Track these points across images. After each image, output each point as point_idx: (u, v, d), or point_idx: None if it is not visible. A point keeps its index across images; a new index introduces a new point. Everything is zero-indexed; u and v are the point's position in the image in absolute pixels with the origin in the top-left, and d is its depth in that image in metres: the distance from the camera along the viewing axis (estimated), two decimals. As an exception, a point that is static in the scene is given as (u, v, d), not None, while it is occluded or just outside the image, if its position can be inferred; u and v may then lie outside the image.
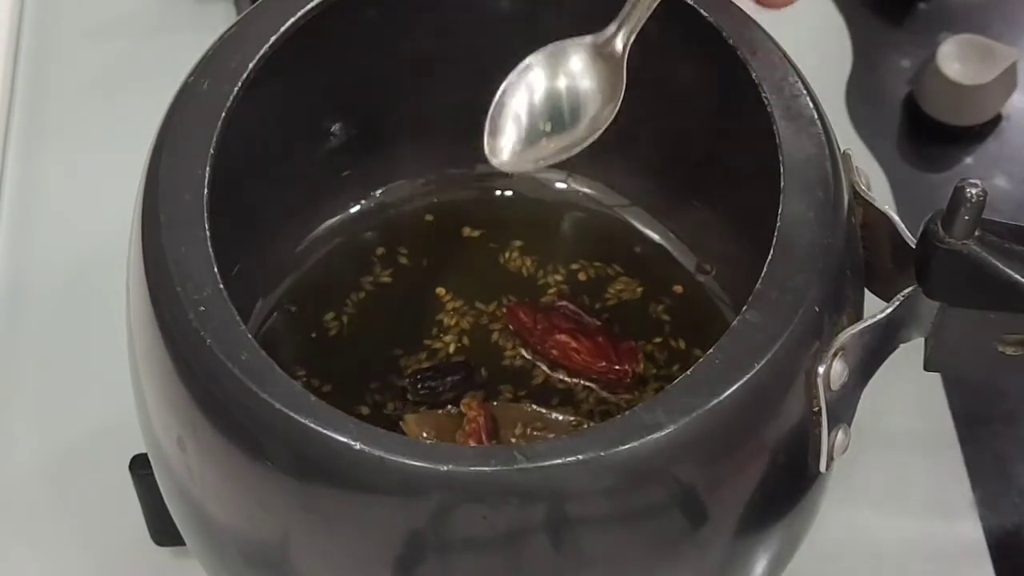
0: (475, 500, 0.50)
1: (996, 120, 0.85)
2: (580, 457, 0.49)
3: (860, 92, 0.86)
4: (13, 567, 0.70)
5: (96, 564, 0.69)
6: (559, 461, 0.49)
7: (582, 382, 0.67)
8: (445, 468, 0.49)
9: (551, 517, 0.50)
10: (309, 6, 0.59)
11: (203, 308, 0.52)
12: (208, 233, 0.54)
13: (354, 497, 0.51)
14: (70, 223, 0.80)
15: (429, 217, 0.71)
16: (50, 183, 0.82)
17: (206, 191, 0.55)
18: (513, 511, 0.50)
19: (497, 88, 0.58)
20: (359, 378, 0.67)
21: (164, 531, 0.66)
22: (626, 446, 0.50)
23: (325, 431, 0.50)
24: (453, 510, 0.50)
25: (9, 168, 0.82)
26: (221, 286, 0.53)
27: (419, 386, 0.66)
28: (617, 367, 0.66)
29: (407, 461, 0.49)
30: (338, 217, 0.71)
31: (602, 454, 0.50)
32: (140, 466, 0.64)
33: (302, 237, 0.70)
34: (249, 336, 0.52)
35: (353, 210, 0.71)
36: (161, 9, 0.88)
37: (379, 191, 0.71)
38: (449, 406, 0.65)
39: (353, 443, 0.50)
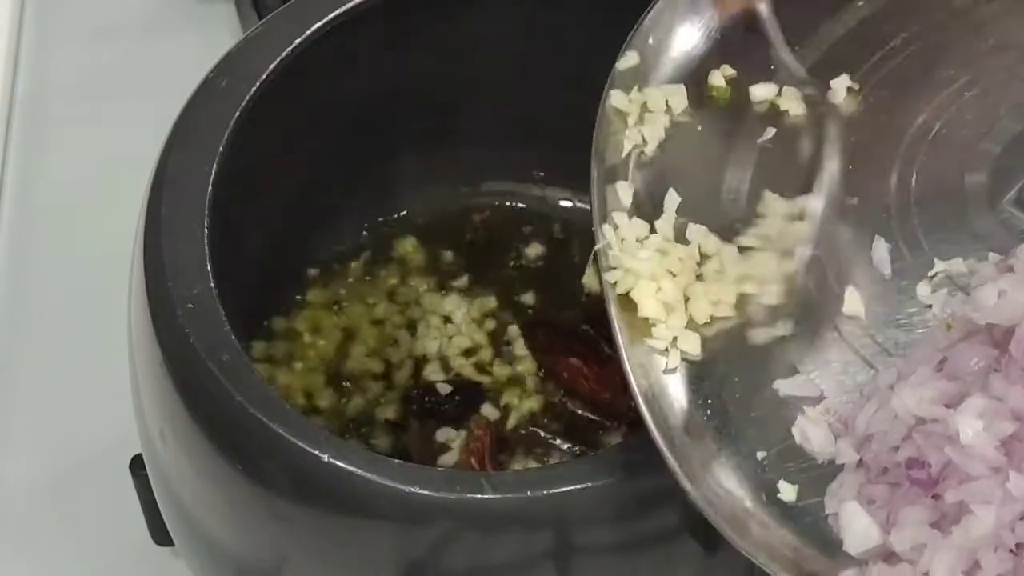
0: (433, 525, 0.49)
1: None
2: (545, 492, 0.49)
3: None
4: (14, 565, 0.70)
5: (97, 564, 0.69)
6: (525, 495, 0.49)
7: (586, 412, 0.66)
8: (408, 489, 0.49)
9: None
10: (335, 12, 0.59)
11: (191, 305, 0.53)
12: (206, 231, 0.54)
13: (318, 510, 0.51)
14: (71, 222, 0.80)
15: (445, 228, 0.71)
16: (50, 183, 0.82)
17: (210, 188, 0.55)
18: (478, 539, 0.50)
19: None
20: (368, 388, 0.66)
21: (164, 531, 0.65)
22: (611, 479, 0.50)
23: (294, 440, 0.50)
24: (412, 530, 0.50)
25: (10, 168, 0.83)
26: (212, 284, 0.53)
27: (426, 399, 0.66)
28: (620, 399, 0.65)
29: (373, 477, 0.49)
30: (352, 225, 0.70)
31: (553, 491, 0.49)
32: (140, 466, 0.64)
33: (316, 244, 0.69)
34: (233, 338, 0.52)
35: (367, 219, 0.70)
36: (161, 9, 0.88)
37: (393, 201, 0.71)
38: (451, 426, 0.65)
39: (321, 455, 0.50)
